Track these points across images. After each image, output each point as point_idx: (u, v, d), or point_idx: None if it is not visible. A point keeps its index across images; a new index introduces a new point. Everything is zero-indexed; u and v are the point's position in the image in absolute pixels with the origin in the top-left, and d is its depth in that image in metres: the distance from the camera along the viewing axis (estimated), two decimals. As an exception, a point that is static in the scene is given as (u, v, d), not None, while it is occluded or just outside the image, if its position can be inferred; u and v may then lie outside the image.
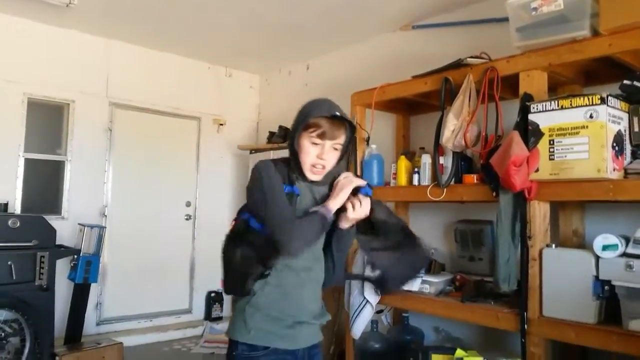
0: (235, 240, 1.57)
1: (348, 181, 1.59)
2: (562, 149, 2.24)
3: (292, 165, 1.60)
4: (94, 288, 4.20)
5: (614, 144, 2.16)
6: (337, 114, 1.55)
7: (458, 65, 2.81)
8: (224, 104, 5.49)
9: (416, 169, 3.11)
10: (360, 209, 1.57)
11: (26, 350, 3.28)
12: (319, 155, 1.56)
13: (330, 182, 1.63)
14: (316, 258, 1.67)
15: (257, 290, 1.56)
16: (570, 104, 2.23)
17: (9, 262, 3.29)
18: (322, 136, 1.55)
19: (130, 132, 4.85)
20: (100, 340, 3.85)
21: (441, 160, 2.94)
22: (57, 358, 3.36)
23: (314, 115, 1.55)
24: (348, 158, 1.70)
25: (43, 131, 4.46)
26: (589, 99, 2.17)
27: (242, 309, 1.58)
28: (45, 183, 4.45)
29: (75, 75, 4.50)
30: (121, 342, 3.78)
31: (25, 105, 4.26)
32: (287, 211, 1.51)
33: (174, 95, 5.09)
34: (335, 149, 1.58)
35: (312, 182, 1.60)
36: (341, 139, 1.58)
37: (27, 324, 3.30)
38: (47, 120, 4.50)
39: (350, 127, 1.61)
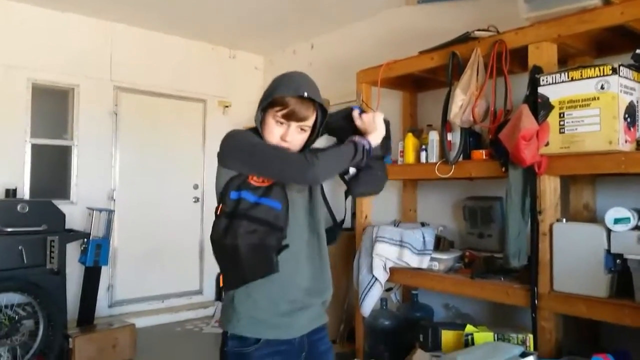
0: (233, 225, 1.39)
1: (377, 116, 1.54)
2: (572, 122, 2.20)
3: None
4: (105, 271, 4.24)
5: (626, 115, 2.11)
6: (305, 94, 1.40)
7: (465, 39, 2.76)
8: (229, 85, 5.45)
9: (423, 147, 3.08)
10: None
11: (40, 333, 3.33)
12: (282, 136, 1.43)
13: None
14: (312, 229, 1.53)
15: None
16: (581, 76, 2.18)
17: (19, 247, 3.32)
18: (287, 117, 1.42)
19: (135, 116, 4.83)
20: (113, 322, 3.90)
21: (449, 136, 2.90)
22: (70, 340, 3.41)
23: (280, 93, 1.41)
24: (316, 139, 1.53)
25: (49, 116, 4.45)
26: (600, 69, 2.12)
27: (232, 295, 1.45)
28: (52, 168, 4.47)
29: (79, 59, 4.47)
30: (133, 323, 3.82)
31: (30, 90, 4.25)
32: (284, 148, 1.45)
33: (178, 78, 5.06)
34: (303, 130, 1.45)
35: None
36: (309, 120, 1.44)
37: (40, 307, 3.34)
38: (53, 106, 4.50)
39: (321, 109, 1.47)
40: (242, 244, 1.36)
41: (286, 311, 1.43)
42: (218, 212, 1.44)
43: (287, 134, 1.43)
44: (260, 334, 1.41)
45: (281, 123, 1.43)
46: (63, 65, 4.39)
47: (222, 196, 1.45)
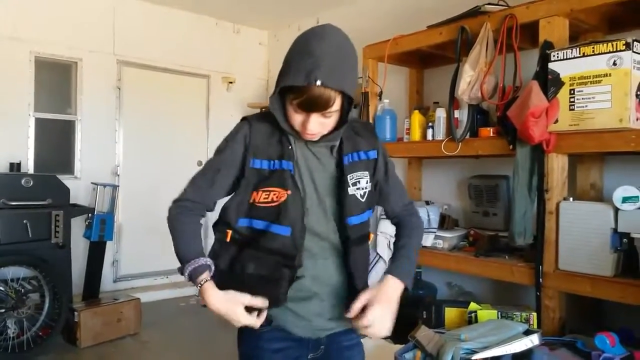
0: (242, 255, 1.27)
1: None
2: (583, 99, 2.17)
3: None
4: (110, 246, 4.26)
5: (638, 93, 2.07)
6: (318, 83, 1.12)
7: (475, 13, 2.70)
8: (233, 61, 5.39)
9: (430, 124, 3.05)
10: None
11: (46, 306, 3.36)
12: (303, 124, 1.21)
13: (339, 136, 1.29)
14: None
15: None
16: (593, 51, 2.13)
17: (24, 221, 3.33)
18: (302, 107, 1.18)
19: (139, 91, 4.80)
20: (118, 296, 3.93)
21: (456, 113, 2.87)
22: (75, 313, 3.44)
23: (289, 82, 1.16)
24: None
25: (52, 90, 4.42)
26: (612, 45, 2.08)
27: None
28: (57, 143, 4.45)
29: (82, 32, 4.42)
30: (138, 298, 3.85)
31: (33, 64, 4.21)
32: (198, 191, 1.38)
33: (182, 53, 5.00)
34: (326, 117, 1.20)
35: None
36: (332, 107, 1.17)
37: (46, 280, 3.36)
38: (56, 80, 4.46)
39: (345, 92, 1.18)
40: (249, 277, 1.25)
41: (304, 297, 1.33)
42: (228, 239, 1.31)
43: (307, 123, 1.20)
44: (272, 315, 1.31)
45: (299, 112, 1.20)
46: (66, 39, 4.34)
47: (225, 223, 1.34)
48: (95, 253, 3.95)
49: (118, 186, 4.18)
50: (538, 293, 2.37)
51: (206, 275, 1.24)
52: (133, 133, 4.76)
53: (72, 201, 3.76)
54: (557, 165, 2.35)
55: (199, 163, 5.19)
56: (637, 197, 2.07)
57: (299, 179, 1.27)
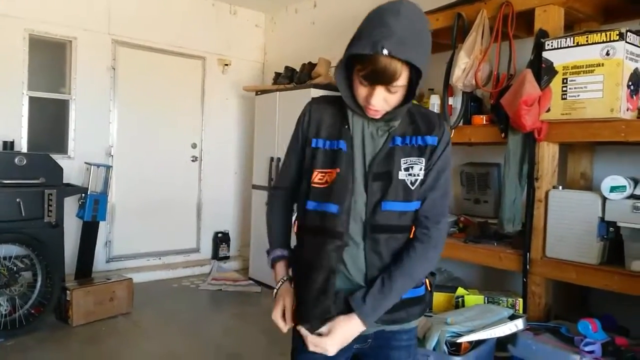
0: (304, 241, 1.32)
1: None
2: (575, 88, 2.18)
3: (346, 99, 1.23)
4: (103, 226, 4.27)
5: (630, 83, 2.09)
6: (385, 52, 1.07)
7: (472, 0, 2.69)
8: (229, 43, 5.36)
9: (424, 110, 3.05)
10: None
11: (38, 284, 3.38)
12: (367, 98, 1.17)
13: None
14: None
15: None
16: (587, 41, 2.14)
17: (17, 199, 3.33)
18: (367, 79, 1.14)
19: (134, 72, 4.76)
20: (110, 276, 3.95)
21: (450, 100, 2.88)
22: (68, 292, 3.46)
23: (355, 50, 1.12)
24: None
25: (46, 69, 4.39)
26: (606, 35, 2.09)
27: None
28: (50, 122, 4.43)
29: (76, 10, 4.37)
30: (131, 278, 3.87)
31: (27, 42, 4.17)
32: (283, 178, 1.39)
33: (177, 34, 4.96)
34: (392, 92, 1.15)
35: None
36: (398, 81, 1.12)
37: (38, 259, 3.38)
38: (50, 58, 4.42)
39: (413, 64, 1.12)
40: (303, 264, 1.28)
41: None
42: (295, 229, 1.35)
43: (371, 97, 1.15)
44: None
45: (364, 85, 1.16)
46: (60, 17, 4.29)
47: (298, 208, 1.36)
48: (88, 233, 3.96)
49: (112, 167, 4.18)
50: (525, 279, 2.40)
51: (280, 267, 1.35)
52: (127, 114, 4.74)
53: (65, 181, 3.75)
54: (548, 153, 2.38)
55: (194, 145, 5.19)
56: (625, 186, 2.10)
57: (350, 159, 1.23)
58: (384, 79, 1.11)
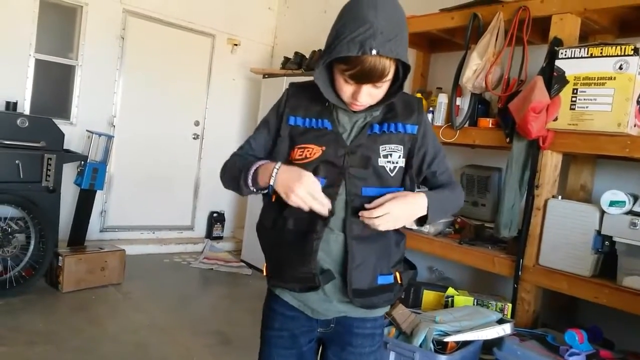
0: (282, 214, 1.27)
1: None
2: (584, 99, 2.18)
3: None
4: (99, 196, 4.26)
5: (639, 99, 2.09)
6: (374, 52, 1.06)
7: (489, 1, 2.68)
8: (240, 23, 5.32)
9: (431, 109, 3.05)
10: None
11: (31, 247, 3.38)
12: (353, 95, 1.17)
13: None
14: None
15: None
16: (601, 53, 2.13)
17: (16, 161, 3.32)
18: (354, 78, 1.13)
19: (142, 43, 4.73)
20: (103, 246, 3.96)
21: (458, 101, 2.87)
22: (60, 258, 3.47)
23: (342, 53, 1.09)
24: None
25: (55, 33, 4.35)
26: (621, 48, 2.08)
27: None
28: (55, 86, 4.40)
29: (90, -24, 4.33)
30: (123, 249, 3.88)
31: (38, 4, 4.13)
32: (246, 147, 1.33)
33: (189, 9, 4.92)
34: (377, 87, 1.16)
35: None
36: (384, 78, 1.13)
37: (33, 222, 3.38)
38: (59, 22, 4.38)
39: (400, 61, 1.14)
40: (289, 232, 1.24)
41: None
42: (273, 199, 1.26)
43: (358, 95, 1.16)
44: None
45: (350, 82, 1.15)
46: (73, -19, 4.26)
47: None
48: (85, 201, 3.96)
49: (113, 136, 4.17)
50: (515, 285, 2.42)
51: (276, 164, 1.20)
52: (132, 85, 4.71)
53: (65, 147, 3.75)
54: (551, 162, 2.38)
55: (196, 123, 5.17)
56: (624, 202, 2.10)
57: (335, 138, 1.23)
58: (373, 78, 1.12)
